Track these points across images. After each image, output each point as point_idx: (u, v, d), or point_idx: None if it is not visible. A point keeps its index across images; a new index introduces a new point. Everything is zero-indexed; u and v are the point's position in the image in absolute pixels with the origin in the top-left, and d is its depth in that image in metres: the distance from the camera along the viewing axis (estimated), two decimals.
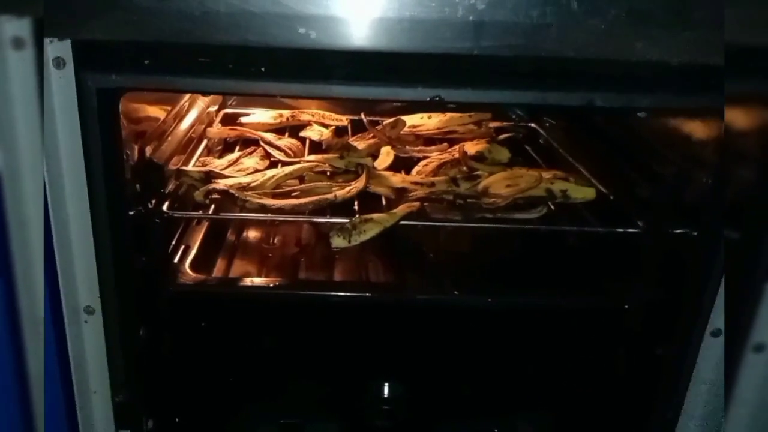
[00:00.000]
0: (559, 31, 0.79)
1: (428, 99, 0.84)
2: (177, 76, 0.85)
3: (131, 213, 0.99)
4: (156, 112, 1.17)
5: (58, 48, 0.80)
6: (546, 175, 1.25)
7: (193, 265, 1.18)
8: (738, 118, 0.88)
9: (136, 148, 1.03)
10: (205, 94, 1.41)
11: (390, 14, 0.77)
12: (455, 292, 1.15)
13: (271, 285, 1.16)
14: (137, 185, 1.01)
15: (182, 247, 1.23)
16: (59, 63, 0.81)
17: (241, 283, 1.19)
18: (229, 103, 1.67)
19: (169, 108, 1.25)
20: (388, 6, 0.77)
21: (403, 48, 0.78)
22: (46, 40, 0.79)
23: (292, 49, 0.79)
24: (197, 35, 0.78)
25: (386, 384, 1.27)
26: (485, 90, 0.85)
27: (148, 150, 1.07)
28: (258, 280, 1.20)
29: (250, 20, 0.77)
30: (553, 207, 1.20)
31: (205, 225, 1.33)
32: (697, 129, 1.00)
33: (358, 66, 0.83)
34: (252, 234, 1.43)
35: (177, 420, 1.18)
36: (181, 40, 0.78)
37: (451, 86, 0.84)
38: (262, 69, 0.84)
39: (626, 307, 1.13)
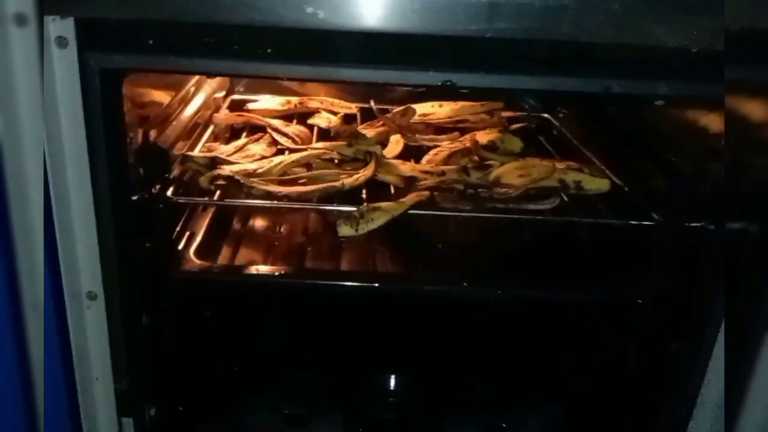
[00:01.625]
0: (576, 14, 0.76)
1: (439, 83, 0.82)
2: (181, 57, 0.83)
3: (134, 198, 0.97)
4: (161, 96, 1.15)
5: (60, 27, 0.78)
6: (559, 165, 1.22)
7: (198, 252, 1.16)
8: (755, 108, 0.86)
9: (141, 131, 1.01)
10: (210, 75, 1.39)
11: None
12: (464, 284, 1.12)
13: (277, 273, 1.14)
14: (141, 169, 1.00)
15: (187, 233, 1.21)
16: (62, 42, 0.79)
17: (247, 271, 1.17)
18: (237, 89, 1.65)
19: (174, 92, 1.23)
20: None
21: (415, 29, 0.76)
22: (48, 18, 0.77)
23: (299, 30, 0.77)
24: (202, 14, 0.76)
25: (392, 376, 1.26)
26: (498, 75, 0.83)
27: (153, 134, 1.06)
28: (264, 268, 1.18)
29: None
30: (566, 198, 1.17)
31: (210, 212, 1.32)
32: (715, 119, 0.97)
33: (367, 48, 0.81)
34: (258, 222, 1.41)
35: (180, 409, 1.17)
36: (186, 20, 0.76)
37: (464, 70, 0.82)
38: (269, 50, 0.81)
39: (639, 301, 1.11)
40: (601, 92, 0.85)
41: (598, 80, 0.85)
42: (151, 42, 0.81)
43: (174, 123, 1.17)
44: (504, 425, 1.20)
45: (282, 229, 1.39)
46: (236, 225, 1.38)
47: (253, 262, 1.26)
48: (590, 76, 0.84)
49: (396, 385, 1.25)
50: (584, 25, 0.77)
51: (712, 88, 0.84)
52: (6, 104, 0.78)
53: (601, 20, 0.77)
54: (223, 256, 1.27)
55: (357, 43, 0.80)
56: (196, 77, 1.35)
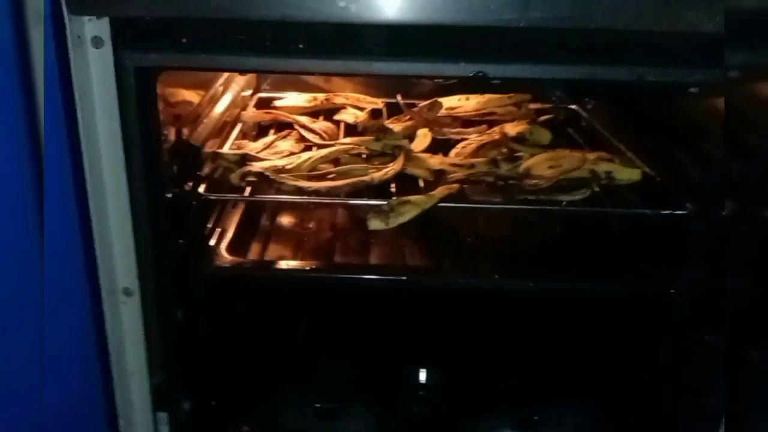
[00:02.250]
0: (610, 2, 0.76)
1: (471, 75, 0.82)
2: (214, 54, 0.84)
3: (169, 195, 0.98)
4: (192, 95, 1.16)
5: (95, 27, 0.80)
6: (590, 156, 1.21)
7: (229, 248, 1.17)
8: None
9: (173, 130, 1.02)
10: (242, 72, 1.40)
11: None
12: (495, 276, 1.12)
13: (307, 268, 1.15)
14: (174, 167, 1.01)
15: (218, 230, 1.22)
16: (98, 42, 0.80)
17: (277, 266, 1.18)
18: (263, 87, 1.66)
19: (204, 91, 1.24)
20: None
21: (447, 21, 0.76)
22: (84, 18, 0.79)
23: (331, 24, 0.77)
24: (235, 11, 0.76)
25: (423, 370, 1.26)
26: (531, 65, 0.83)
27: (185, 132, 1.07)
28: (294, 263, 1.19)
29: None
30: (597, 189, 1.16)
31: (240, 208, 1.33)
32: None
33: (399, 40, 0.81)
34: (287, 218, 1.42)
35: (213, 403, 1.18)
36: (218, 17, 0.77)
37: (496, 61, 0.82)
38: (301, 46, 0.82)
39: (672, 292, 1.10)
40: (635, 80, 0.85)
41: (632, 68, 0.84)
42: (184, 40, 0.82)
43: (205, 121, 1.19)
44: (536, 418, 1.19)
45: (311, 225, 1.40)
46: (266, 221, 1.39)
47: (283, 258, 1.27)
48: (624, 64, 0.84)
49: (427, 379, 1.25)
50: (618, 12, 0.76)
51: None
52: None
53: (634, 7, 0.76)
54: (254, 252, 1.28)
55: (389, 36, 0.81)
56: (225, 76, 1.37)
